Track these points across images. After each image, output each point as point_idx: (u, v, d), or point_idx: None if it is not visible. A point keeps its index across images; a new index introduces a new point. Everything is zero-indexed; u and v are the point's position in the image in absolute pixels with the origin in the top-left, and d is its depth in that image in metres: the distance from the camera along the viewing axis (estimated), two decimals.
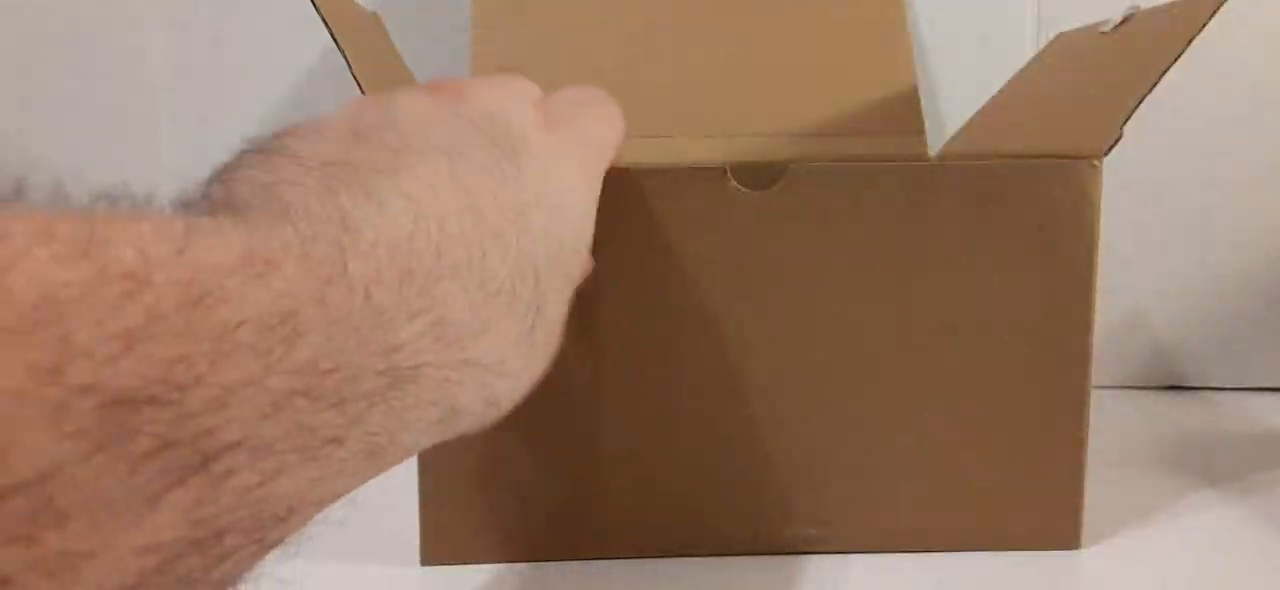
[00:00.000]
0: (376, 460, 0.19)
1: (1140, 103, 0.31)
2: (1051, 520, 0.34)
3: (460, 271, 0.20)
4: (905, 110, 0.49)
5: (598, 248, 0.27)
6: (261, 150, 0.21)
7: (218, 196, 0.19)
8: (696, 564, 0.33)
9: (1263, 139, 0.50)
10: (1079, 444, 0.33)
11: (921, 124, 0.48)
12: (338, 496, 0.18)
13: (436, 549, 0.33)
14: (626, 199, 0.31)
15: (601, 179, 0.27)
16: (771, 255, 0.32)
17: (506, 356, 0.22)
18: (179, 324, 0.14)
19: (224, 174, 0.20)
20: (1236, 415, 0.48)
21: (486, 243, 0.21)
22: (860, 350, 0.33)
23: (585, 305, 0.31)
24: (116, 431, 0.13)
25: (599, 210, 0.27)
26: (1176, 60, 0.31)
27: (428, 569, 0.33)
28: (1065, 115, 0.39)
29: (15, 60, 0.54)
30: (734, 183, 0.32)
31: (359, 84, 0.32)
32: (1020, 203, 0.32)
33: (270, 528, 0.16)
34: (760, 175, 0.32)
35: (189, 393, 0.14)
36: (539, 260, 0.23)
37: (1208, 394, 0.51)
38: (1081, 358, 0.33)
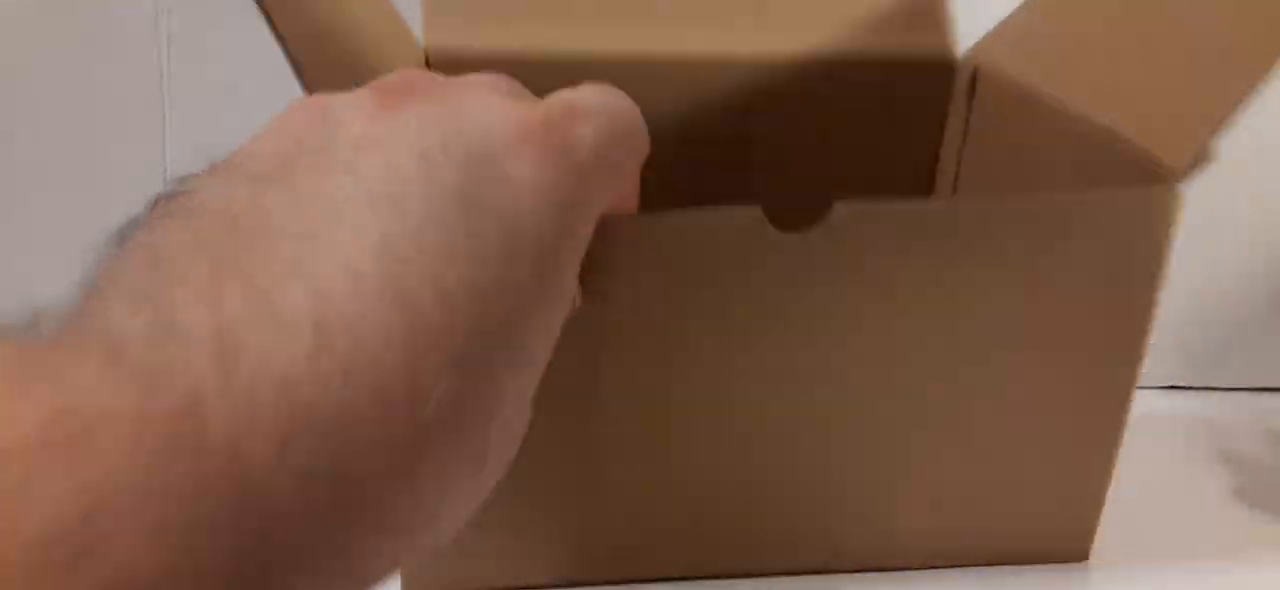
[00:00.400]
0: None
1: (1236, 111, 0.27)
2: (1065, 535, 0.33)
3: (378, 402, 0.15)
4: (929, 7, 0.43)
5: (610, 298, 0.25)
6: (175, 196, 0.17)
7: (93, 289, 0.15)
8: (698, 587, 0.32)
9: (1264, 137, 0.50)
10: (1107, 469, 0.32)
11: (947, 21, 0.42)
12: None
13: (419, 580, 0.31)
14: (646, 246, 0.27)
15: (594, 202, 0.21)
16: (807, 299, 0.29)
17: (445, 499, 0.17)
18: None
19: (122, 238, 0.16)
20: (1237, 415, 0.48)
21: (421, 350, 0.16)
22: (886, 385, 0.30)
23: (588, 359, 0.28)
24: None
25: (613, 258, 0.23)
26: None
27: None
28: (1128, 75, 0.33)
29: (16, 63, 0.54)
30: (771, 227, 0.28)
31: (299, 78, 0.28)
32: (1086, 236, 0.29)
33: None
34: (799, 217, 0.28)
35: None
36: (499, 353, 0.18)
37: (1207, 394, 0.51)
38: (1124, 387, 0.31)
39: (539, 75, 0.24)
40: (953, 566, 0.33)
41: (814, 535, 0.32)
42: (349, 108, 0.19)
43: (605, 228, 0.23)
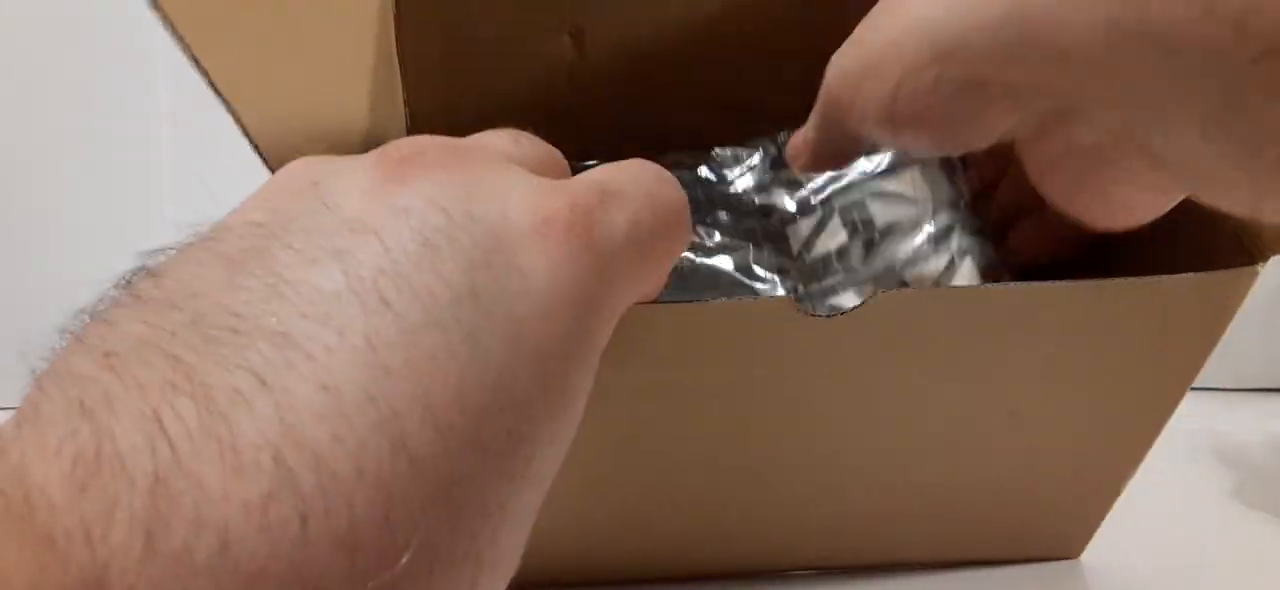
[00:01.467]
0: None
1: None
2: (1063, 535, 0.33)
3: (342, 554, 0.13)
4: None
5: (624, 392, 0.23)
6: (146, 276, 0.15)
7: (40, 381, 0.14)
8: (698, 588, 0.32)
9: None
10: (1117, 488, 0.31)
11: None
12: None
13: None
14: (676, 332, 0.25)
15: (618, 303, 0.18)
16: (838, 371, 0.27)
17: None
18: None
19: (90, 315, 0.15)
20: (1237, 415, 0.48)
21: (402, 486, 0.14)
22: (904, 425, 0.29)
23: (602, 417, 0.27)
24: None
25: (632, 349, 0.21)
26: None
27: None
28: None
29: (16, 69, 0.54)
30: (803, 314, 0.25)
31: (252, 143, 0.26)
32: (1149, 315, 0.26)
33: None
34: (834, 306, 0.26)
35: None
36: (494, 480, 0.15)
37: (1207, 394, 0.51)
38: (1155, 426, 0.29)
39: None
40: (947, 566, 0.33)
41: (815, 536, 0.32)
42: (347, 180, 0.17)
43: (629, 316, 0.20)
